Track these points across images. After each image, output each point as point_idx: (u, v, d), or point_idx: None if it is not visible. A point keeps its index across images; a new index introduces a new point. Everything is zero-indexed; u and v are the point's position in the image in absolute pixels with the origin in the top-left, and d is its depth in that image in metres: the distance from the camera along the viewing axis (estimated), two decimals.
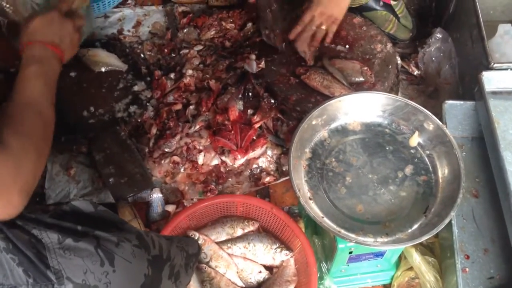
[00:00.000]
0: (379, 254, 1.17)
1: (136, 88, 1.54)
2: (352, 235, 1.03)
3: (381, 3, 1.64)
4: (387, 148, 1.15)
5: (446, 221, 0.98)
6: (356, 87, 1.44)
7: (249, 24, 1.68)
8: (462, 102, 1.33)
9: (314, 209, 1.07)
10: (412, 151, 1.14)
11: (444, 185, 1.08)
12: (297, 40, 1.49)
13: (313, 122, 1.15)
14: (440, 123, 1.10)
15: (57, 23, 1.13)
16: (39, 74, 1.05)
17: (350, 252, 1.13)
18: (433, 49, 1.54)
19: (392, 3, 1.65)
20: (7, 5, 1.17)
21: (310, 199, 1.09)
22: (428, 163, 1.12)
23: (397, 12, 1.67)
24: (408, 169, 1.12)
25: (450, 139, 1.07)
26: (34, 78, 1.03)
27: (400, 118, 1.16)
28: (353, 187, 1.11)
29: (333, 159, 1.15)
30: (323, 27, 1.46)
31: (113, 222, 0.90)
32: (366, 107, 1.17)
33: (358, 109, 1.17)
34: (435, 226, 0.99)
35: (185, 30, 1.70)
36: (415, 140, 1.14)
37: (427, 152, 1.13)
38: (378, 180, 1.11)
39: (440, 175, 1.10)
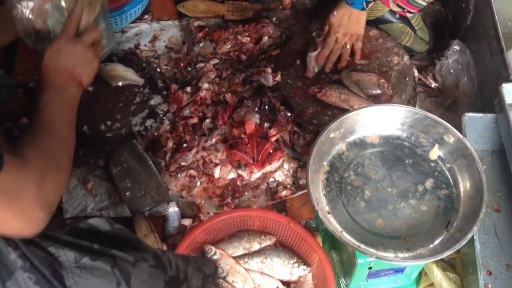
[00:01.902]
0: (399, 270, 1.14)
1: (152, 102, 1.54)
2: (372, 250, 1.01)
3: (397, 15, 1.64)
4: (407, 161, 1.13)
5: (469, 236, 0.96)
6: (373, 100, 1.43)
7: (265, 38, 1.68)
8: (482, 114, 1.31)
9: (333, 223, 1.06)
10: (432, 164, 1.13)
11: (466, 199, 1.06)
12: (326, 64, 1.50)
13: (331, 135, 1.14)
14: (461, 136, 1.08)
15: (66, 49, 1.13)
16: (57, 100, 1.07)
17: (370, 268, 1.11)
18: (450, 61, 1.53)
19: (408, 15, 1.64)
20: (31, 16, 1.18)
21: (329, 213, 1.08)
22: (449, 176, 1.10)
23: (414, 25, 1.67)
24: (429, 183, 1.10)
25: (472, 152, 1.05)
26: (52, 104, 1.06)
27: (419, 131, 1.15)
28: (372, 201, 1.09)
29: (352, 173, 1.13)
30: (348, 46, 1.48)
31: (129, 241, 0.89)
32: (385, 120, 1.16)
33: (377, 121, 1.16)
34: (457, 242, 0.97)
35: (201, 44, 1.71)
36: (435, 153, 1.12)
37: (448, 165, 1.11)
38: (398, 194, 1.09)
39: (461, 189, 1.08)
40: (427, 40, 1.69)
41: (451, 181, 1.10)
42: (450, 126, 1.10)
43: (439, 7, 1.82)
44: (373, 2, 1.42)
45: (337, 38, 1.45)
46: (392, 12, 1.63)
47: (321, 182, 1.12)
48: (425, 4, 1.57)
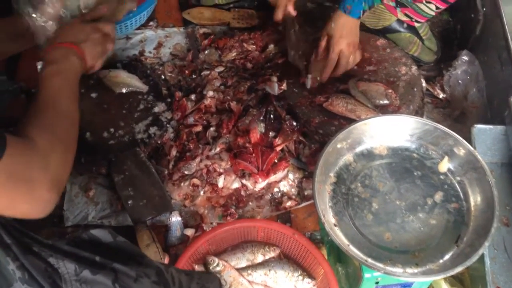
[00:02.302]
0: (407, 285, 1.11)
1: (156, 109, 1.52)
2: (380, 265, 0.98)
3: (405, 25, 1.62)
4: (415, 174, 1.11)
5: (480, 252, 0.94)
6: (380, 110, 1.41)
7: (271, 46, 1.66)
8: (491, 126, 1.29)
9: (339, 236, 1.03)
10: (441, 177, 1.10)
11: (476, 214, 1.03)
12: (323, 76, 1.48)
13: (338, 146, 1.12)
14: (472, 149, 1.06)
15: (75, 27, 1.14)
16: (57, 71, 1.04)
17: (377, 282, 1.08)
18: (459, 72, 1.51)
19: (416, 25, 1.62)
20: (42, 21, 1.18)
21: (335, 225, 1.05)
22: (459, 190, 1.08)
23: (421, 34, 1.65)
24: (438, 196, 1.08)
25: (483, 165, 1.03)
26: (52, 76, 1.03)
27: (428, 143, 1.12)
28: (380, 213, 1.07)
29: (359, 184, 1.11)
30: (351, 58, 1.46)
31: (132, 255, 0.87)
32: (393, 131, 1.14)
33: (385, 132, 1.14)
34: (468, 257, 0.94)
35: (206, 52, 1.69)
36: (445, 165, 1.10)
37: (458, 178, 1.09)
38: (406, 207, 1.07)
39: (472, 203, 1.05)
40: (435, 50, 1.67)
41: (461, 194, 1.08)
42: (461, 138, 1.08)
43: (447, 17, 1.80)
44: (368, 11, 1.41)
45: (341, 51, 1.43)
46: (400, 21, 1.61)
47: (327, 194, 1.10)
48: (433, 14, 1.55)
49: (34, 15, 1.16)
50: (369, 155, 1.14)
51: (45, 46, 1.12)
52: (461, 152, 1.08)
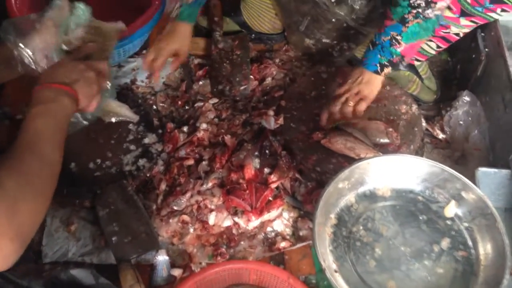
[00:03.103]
0: None
1: (146, 140, 1.47)
2: None
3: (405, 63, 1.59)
4: (421, 218, 1.05)
5: None
6: (380, 149, 1.36)
7: (268, 79, 1.63)
8: (496, 170, 1.24)
9: (340, 283, 0.96)
10: (448, 222, 1.05)
11: (486, 263, 0.97)
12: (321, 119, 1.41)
13: (340, 185, 1.06)
14: (482, 194, 1.00)
15: (68, 65, 1.05)
16: (43, 112, 0.95)
17: None
18: (460, 113, 1.47)
19: (416, 63, 1.60)
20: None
21: (336, 271, 0.98)
22: (467, 237, 1.02)
23: (421, 73, 1.62)
24: (445, 243, 1.02)
25: (493, 212, 0.98)
26: (37, 117, 0.94)
27: (434, 185, 1.07)
28: (383, 260, 1.00)
29: (361, 227, 1.05)
30: (351, 103, 1.36)
31: None
32: (397, 171, 1.09)
33: (388, 173, 1.09)
34: None
35: (200, 83, 1.65)
36: (451, 210, 1.05)
37: (466, 224, 1.03)
38: (412, 254, 1.01)
39: (481, 251, 0.99)
40: (435, 90, 1.65)
41: (469, 242, 1.02)
42: (469, 182, 1.03)
43: (446, 57, 1.78)
44: (390, 69, 1.33)
45: (346, 99, 1.36)
46: None
47: (327, 237, 1.03)
48: (434, 52, 1.53)
49: (20, 45, 1.10)
50: (371, 196, 1.09)
51: (34, 84, 1.04)
52: (469, 196, 1.03)
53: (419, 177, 1.08)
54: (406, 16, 1.22)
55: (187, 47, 1.54)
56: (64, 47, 1.13)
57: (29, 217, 0.79)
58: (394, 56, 1.29)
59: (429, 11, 1.21)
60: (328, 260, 0.99)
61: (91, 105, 1.08)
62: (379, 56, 1.29)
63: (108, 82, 1.17)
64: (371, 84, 1.35)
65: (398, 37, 1.25)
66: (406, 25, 1.23)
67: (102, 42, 1.21)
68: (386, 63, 1.30)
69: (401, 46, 1.27)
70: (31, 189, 0.82)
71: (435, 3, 1.20)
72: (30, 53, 1.10)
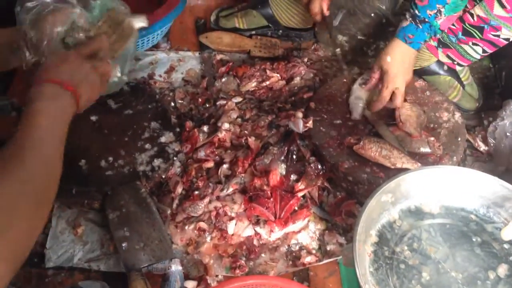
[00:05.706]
0: None
1: (163, 139, 1.36)
2: None
3: (445, 67, 1.48)
4: (474, 240, 0.93)
5: None
6: (419, 160, 1.24)
7: (297, 79, 1.52)
8: None
9: None
10: (505, 246, 0.93)
11: None
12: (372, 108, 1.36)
13: (382, 199, 0.94)
14: None
15: (72, 62, 0.94)
16: (41, 111, 0.84)
17: None
18: (507, 124, 1.35)
19: (458, 68, 1.48)
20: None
21: None
22: None
23: (462, 79, 1.51)
24: (502, 270, 0.90)
25: None
26: (37, 115, 0.83)
27: (491, 203, 0.95)
28: (431, 286, 0.88)
29: (405, 247, 0.93)
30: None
31: None
32: (447, 186, 0.97)
33: (437, 187, 0.97)
34: None
35: (223, 80, 1.54)
36: (510, 232, 0.92)
37: None
38: (464, 280, 0.89)
39: None
40: (476, 98, 1.53)
41: None
42: None
43: (488, 63, 1.67)
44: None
45: (397, 89, 1.28)
46: (440, 63, 1.47)
47: (367, 256, 0.91)
48: (478, 57, 1.41)
49: (30, 32, 1.00)
50: (417, 213, 0.97)
51: (38, 77, 0.93)
52: None
53: (472, 194, 0.96)
54: None
55: None
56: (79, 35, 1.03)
57: (25, 232, 0.69)
58: (437, 34, 1.25)
59: None
60: (368, 283, 0.87)
61: (84, 108, 0.98)
62: (426, 34, 1.23)
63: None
64: (412, 65, 1.30)
65: (442, 9, 1.19)
66: None
67: (115, 40, 1.11)
68: (427, 40, 1.26)
69: (441, 18, 1.21)
70: (28, 202, 0.71)
71: None
72: (39, 41, 1.00)
